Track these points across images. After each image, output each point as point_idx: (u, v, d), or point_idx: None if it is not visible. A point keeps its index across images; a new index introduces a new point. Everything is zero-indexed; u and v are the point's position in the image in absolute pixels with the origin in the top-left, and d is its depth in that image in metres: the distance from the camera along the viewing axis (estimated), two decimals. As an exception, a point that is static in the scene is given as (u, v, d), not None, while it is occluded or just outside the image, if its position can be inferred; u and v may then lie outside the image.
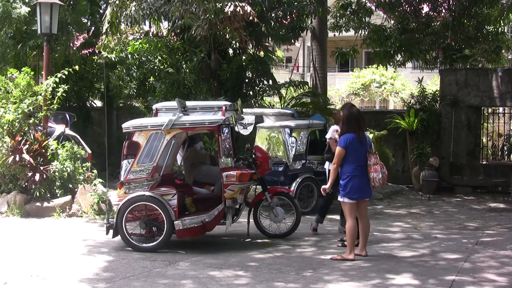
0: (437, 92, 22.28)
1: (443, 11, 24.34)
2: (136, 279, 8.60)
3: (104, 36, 19.45)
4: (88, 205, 14.27)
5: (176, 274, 8.89)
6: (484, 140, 22.79)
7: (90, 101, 26.03)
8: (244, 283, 8.44)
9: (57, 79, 15.16)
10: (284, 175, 15.32)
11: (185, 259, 9.87)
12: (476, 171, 20.94)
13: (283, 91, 22.63)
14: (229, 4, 17.08)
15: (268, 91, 21.99)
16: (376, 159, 9.93)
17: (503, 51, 26.04)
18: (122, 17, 18.72)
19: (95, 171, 15.36)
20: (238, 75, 20.46)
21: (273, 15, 20.28)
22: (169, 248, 10.48)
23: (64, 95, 15.62)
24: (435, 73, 26.71)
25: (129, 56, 20.77)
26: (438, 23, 24.32)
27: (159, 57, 20.74)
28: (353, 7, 24.39)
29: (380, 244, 11.12)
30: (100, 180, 14.89)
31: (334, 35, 25.90)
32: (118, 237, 10.66)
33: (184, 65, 20.42)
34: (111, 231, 10.70)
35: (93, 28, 24.93)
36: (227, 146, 10.78)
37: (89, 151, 17.40)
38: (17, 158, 14.37)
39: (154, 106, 11.79)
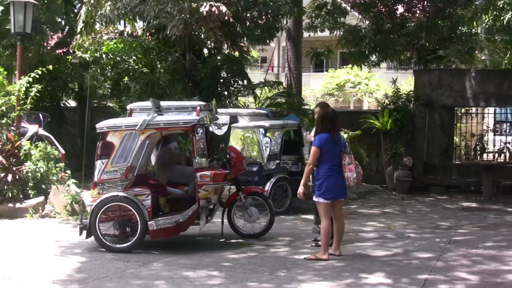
0: (411, 93, 22.40)
1: (418, 12, 24.49)
2: (109, 280, 8.56)
3: (78, 36, 19.41)
4: (62, 206, 14.17)
5: (150, 274, 8.86)
6: (457, 140, 22.95)
7: (64, 101, 25.83)
8: (218, 283, 8.44)
9: (30, 79, 15.04)
10: (258, 175, 15.32)
11: (159, 260, 9.85)
12: (449, 171, 21.09)
13: (257, 91, 22.66)
14: (205, 4, 17.09)
15: (242, 91, 22.02)
16: (351, 159, 9.96)
17: (477, 52, 26.25)
18: (97, 17, 18.68)
19: (68, 171, 15.27)
20: (213, 75, 20.46)
21: (248, 15, 20.32)
22: (143, 249, 10.44)
23: (38, 95, 15.51)
24: (410, 73, 26.84)
25: (104, 56, 20.73)
26: (412, 24, 24.45)
27: (134, 57, 20.71)
28: (328, 7, 24.47)
29: (354, 244, 11.16)
30: (74, 181, 14.82)
31: (309, 35, 25.97)
32: (92, 238, 10.60)
33: (159, 65, 20.41)
34: (84, 232, 10.62)
35: (67, 27, 24.78)
36: (202, 146, 10.75)
37: (63, 152, 17.28)
38: (-11, 159, 14.25)
39: (129, 106, 11.76)
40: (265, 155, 15.53)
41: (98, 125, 11.03)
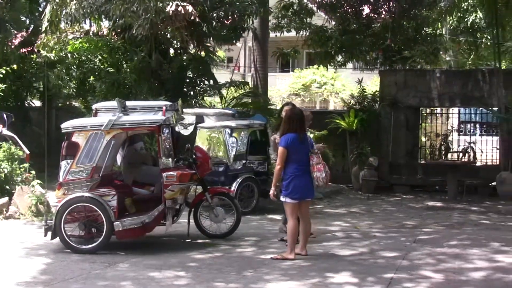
0: (376, 93, 22.54)
1: (383, 12, 24.63)
2: (75, 281, 8.50)
3: (43, 35, 19.24)
4: (26, 207, 14.02)
5: (116, 275, 8.82)
6: (423, 140, 23.15)
7: (28, 101, 25.58)
8: (184, 283, 8.43)
9: (-6, 78, 14.91)
10: (225, 175, 15.31)
11: (124, 261, 9.80)
12: (414, 171, 21.26)
13: (224, 91, 22.63)
14: (171, 3, 17.04)
15: (209, 91, 22.00)
16: (319, 159, 9.99)
17: (441, 52, 26.47)
18: (62, 16, 18.54)
19: (33, 172, 15.13)
20: (179, 75, 20.43)
21: (214, 15, 20.30)
22: (108, 250, 10.38)
23: (2, 94, 15.40)
24: (375, 74, 27.00)
25: (69, 55, 20.56)
26: (378, 25, 24.59)
27: (100, 57, 20.58)
28: (295, 8, 24.52)
29: (320, 243, 11.20)
30: (39, 181, 14.68)
31: (276, 35, 26.00)
32: (57, 239, 10.51)
33: (125, 65, 20.31)
34: (49, 233, 10.54)
35: (32, 26, 24.58)
36: (168, 146, 10.71)
37: (27, 152, 17.10)
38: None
39: (94, 106, 11.69)
40: (231, 155, 15.53)
41: (63, 125, 10.95)
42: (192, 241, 11.50)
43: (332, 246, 11.05)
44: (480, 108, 22.10)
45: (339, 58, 25.75)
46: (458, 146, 23.24)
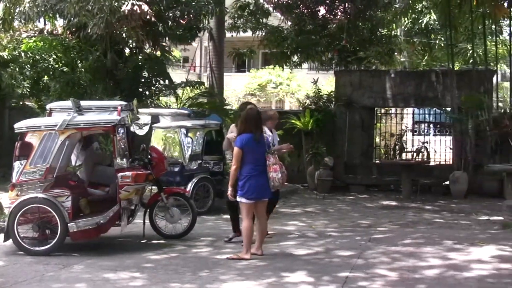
0: (332, 93, 22.64)
1: (339, 13, 24.80)
2: (28, 284, 8.40)
3: (-4, 33, 18.96)
4: (-22, 208, 13.83)
5: (70, 277, 8.74)
6: (377, 140, 23.36)
7: (-20, 101, 25.27)
8: (140, 284, 8.39)
9: None
10: (180, 175, 15.27)
11: (79, 262, 9.71)
12: (369, 170, 21.45)
13: (179, 91, 22.60)
14: (126, 2, 16.95)
15: (164, 91, 21.93)
16: (276, 159, 10.00)
17: (396, 53, 26.75)
18: (15, 14, 18.36)
19: (-14, 172, 14.94)
20: (134, 75, 20.34)
21: (170, 14, 20.23)
22: (63, 251, 10.27)
23: (-47, 94, 15.13)
24: (331, 74, 27.13)
25: (23, 54, 20.31)
26: (334, 26, 24.76)
27: (54, 56, 20.36)
28: (251, 8, 24.57)
29: (276, 243, 11.22)
30: (-9, 182, 14.50)
31: (232, 35, 26.06)
32: (10, 241, 10.36)
33: (80, 64, 20.14)
34: (2, 235, 10.41)
35: (-16, 24, 24.20)
36: (123, 146, 10.65)
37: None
38: None
39: (48, 106, 11.57)
40: (186, 155, 15.51)
41: (16, 125, 10.80)
42: (148, 241, 11.43)
43: (287, 246, 11.08)
44: (434, 109, 22.38)
45: (295, 58, 25.89)
46: (412, 146, 23.50)
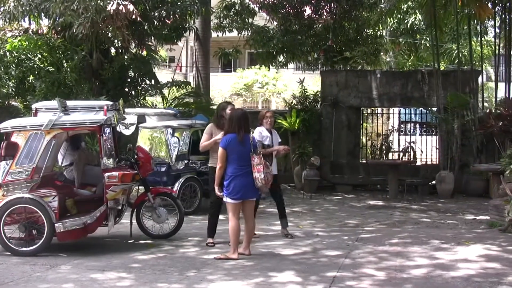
0: (318, 93, 22.66)
1: (325, 14, 24.85)
2: (15, 284, 8.34)
3: (-20, 33, 18.84)
4: (-36, 208, 13.70)
5: (57, 278, 8.69)
6: (364, 139, 23.41)
7: (-35, 100, 25.10)
8: (127, 285, 8.36)
9: None
10: (167, 175, 15.26)
11: (66, 262, 9.67)
12: (356, 170, 21.49)
13: (165, 91, 22.56)
14: (112, 2, 16.90)
15: (150, 91, 21.88)
16: (260, 160, 9.97)
17: (382, 53, 26.84)
18: (0, 13, 18.21)
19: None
20: (120, 75, 20.27)
21: (156, 14, 20.18)
22: (50, 252, 10.23)
23: None
24: (317, 74, 27.20)
25: (8, 53, 20.14)
26: (320, 26, 24.82)
27: (39, 55, 20.24)
28: (237, 8, 24.56)
29: (263, 243, 11.23)
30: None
31: (218, 35, 26.05)
32: (-4, 242, 10.33)
33: (65, 64, 20.04)
34: (-12, 236, 10.35)
35: (-32, 24, 24.05)
36: (109, 146, 10.63)
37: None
38: None
39: (34, 106, 11.49)
40: (173, 155, 15.49)
41: (2, 125, 10.75)
42: (135, 241, 11.41)
43: (275, 246, 11.08)
44: (420, 108, 22.43)
45: (281, 58, 25.90)
46: (399, 145, 23.56)
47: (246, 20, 24.62)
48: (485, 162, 19.13)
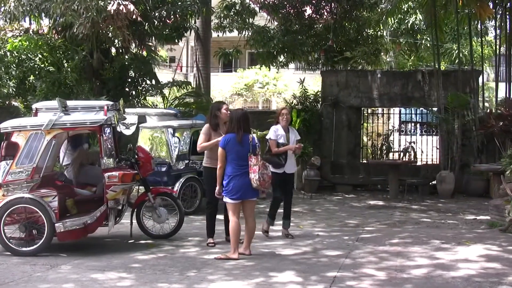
0: (318, 93, 22.64)
1: (325, 14, 24.84)
2: (16, 284, 8.34)
3: (-19, 33, 18.84)
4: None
5: (58, 278, 8.69)
6: (364, 139, 23.40)
7: (-34, 100, 25.10)
8: (127, 285, 8.35)
9: None
10: (167, 175, 15.26)
11: (67, 262, 9.67)
12: (356, 170, 21.48)
13: (166, 91, 22.56)
14: (112, 2, 16.91)
15: (151, 91, 21.88)
16: (257, 160, 9.93)
17: (382, 53, 26.82)
18: (0, 13, 18.24)
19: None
20: (121, 75, 20.28)
21: (156, 14, 20.20)
22: (50, 252, 10.23)
23: None
24: (317, 74, 27.18)
25: (8, 53, 20.16)
26: (320, 26, 24.81)
27: (40, 55, 20.26)
28: (237, 8, 24.58)
29: (263, 243, 11.22)
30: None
31: (218, 35, 26.05)
32: (-4, 242, 10.33)
33: (66, 64, 20.06)
34: (-12, 236, 10.35)
35: (-31, 24, 24.06)
36: (109, 146, 10.63)
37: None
38: None
39: (34, 106, 11.49)
40: (173, 155, 15.49)
41: (2, 125, 10.74)
42: (135, 241, 11.41)
43: (275, 246, 11.07)
44: (420, 108, 22.42)
45: (281, 58, 25.90)
46: (399, 145, 23.53)
47: (247, 20, 24.64)
48: (486, 162, 19.12)
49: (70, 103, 11.09)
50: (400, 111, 25.39)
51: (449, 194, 19.06)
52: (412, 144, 22.64)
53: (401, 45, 32.44)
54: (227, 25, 24.96)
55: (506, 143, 18.52)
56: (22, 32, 21.33)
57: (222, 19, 24.85)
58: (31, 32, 21.03)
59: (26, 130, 10.53)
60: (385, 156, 22.59)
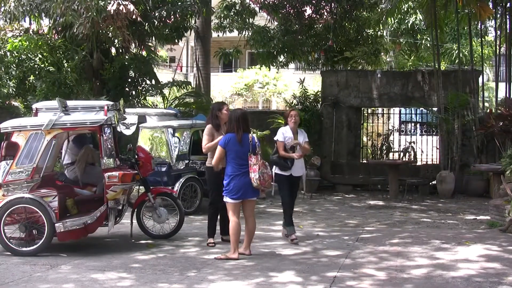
0: (318, 93, 22.66)
1: (325, 13, 24.82)
2: (16, 284, 8.34)
3: (-19, 33, 18.83)
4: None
5: (58, 278, 8.69)
6: (364, 139, 23.40)
7: (-35, 100, 25.09)
8: (127, 285, 8.35)
9: None
10: (167, 175, 15.25)
11: (67, 262, 9.67)
12: (356, 170, 21.49)
13: (166, 91, 22.56)
14: (112, 2, 16.90)
15: (151, 91, 21.86)
16: (257, 160, 9.94)
17: (382, 53, 26.81)
18: (0, 13, 18.23)
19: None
20: (121, 75, 20.26)
21: (156, 14, 20.19)
22: (50, 252, 10.23)
23: None
24: (317, 74, 27.20)
25: (8, 53, 20.15)
26: (320, 26, 24.81)
27: (40, 55, 20.24)
28: (237, 8, 24.57)
29: (263, 243, 11.23)
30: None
31: (218, 35, 26.04)
32: (-4, 242, 10.33)
33: (66, 64, 20.04)
34: (-12, 236, 10.35)
35: (-31, 24, 24.05)
36: (109, 146, 10.62)
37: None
38: None
39: (34, 106, 11.49)
40: (174, 155, 15.49)
41: (2, 125, 10.75)
42: (135, 241, 11.41)
43: (275, 246, 11.08)
44: (420, 108, 22.44)
45: (281, 58, 25.89)
46: (399, 145, 23.52)
47: (247, 20, 24.65)
48: (486, 162, 19.13)
49: (70, 103, 11.08)
50: (400, 111, 25.41)
51: (449, 194, 19.08)
52: (412, 144, 22.62)
53: (401, 45, 32.47)
54: (227, 25, 24.96)
55: (506, 143, 18.53)
56: (22, 32, 21.31)
57: (222, 19, 24.85)
58: (31, 32, 21.01)
59: (26, 130, 10.53)
60: (385, 156, 22.59)
